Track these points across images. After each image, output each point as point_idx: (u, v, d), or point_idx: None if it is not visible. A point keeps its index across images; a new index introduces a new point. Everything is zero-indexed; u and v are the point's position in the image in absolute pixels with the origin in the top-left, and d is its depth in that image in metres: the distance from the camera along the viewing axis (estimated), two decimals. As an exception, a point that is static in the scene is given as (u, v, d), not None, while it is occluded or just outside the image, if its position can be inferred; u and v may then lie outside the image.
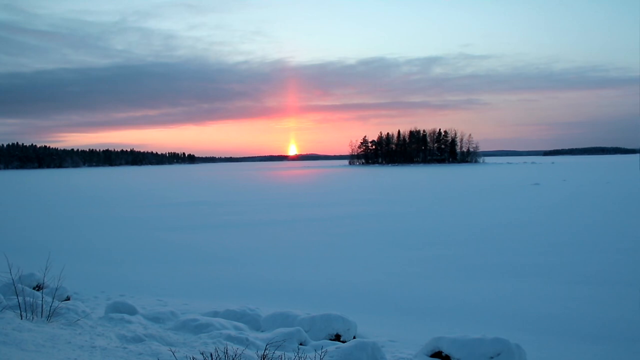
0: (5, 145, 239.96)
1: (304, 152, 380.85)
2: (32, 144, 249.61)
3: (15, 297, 7.55)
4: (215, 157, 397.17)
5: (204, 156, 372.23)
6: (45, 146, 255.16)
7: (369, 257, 14.69)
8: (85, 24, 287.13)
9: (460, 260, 13.91)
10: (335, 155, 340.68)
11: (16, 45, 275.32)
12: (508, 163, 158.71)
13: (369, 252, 15.46)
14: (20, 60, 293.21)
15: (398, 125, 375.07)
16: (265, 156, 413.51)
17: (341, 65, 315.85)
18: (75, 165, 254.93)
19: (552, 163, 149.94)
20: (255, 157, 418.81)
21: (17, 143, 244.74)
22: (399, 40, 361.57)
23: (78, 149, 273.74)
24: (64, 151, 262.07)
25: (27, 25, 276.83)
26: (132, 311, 8.42)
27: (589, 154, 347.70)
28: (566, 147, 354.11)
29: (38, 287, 9.03)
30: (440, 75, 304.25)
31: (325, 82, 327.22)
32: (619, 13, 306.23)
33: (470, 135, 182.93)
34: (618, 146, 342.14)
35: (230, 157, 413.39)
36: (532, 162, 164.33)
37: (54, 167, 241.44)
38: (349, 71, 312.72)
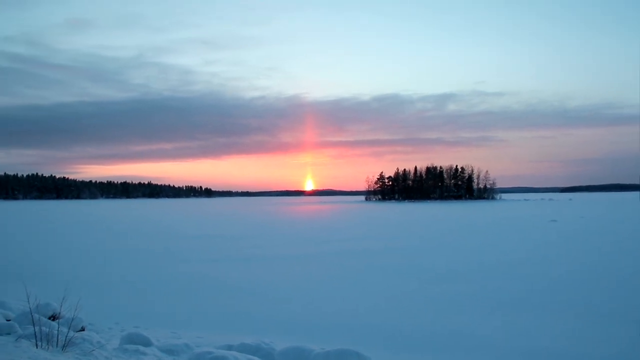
0: (25, 176, 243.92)
1: (320, 188, 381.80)
2: (51, 175, 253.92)
3: (32, 326, 7.59)
4: (231, 191, 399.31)
5: (220, 190, 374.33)
6: (64, 177, 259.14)
7: (384, 292, 14.56)
8: (104, 59, 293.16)
9: (477, 296, 13.74)
10: (351, 191, 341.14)
11: (37, 78, 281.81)
12: (525, 200, 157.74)
13: (384, 287, 15.33)
14: (40, 93, 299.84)
15: (413, 161, 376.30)
16: (281, 191, 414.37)
17: (355, 102, 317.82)
18: (93, 196, 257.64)
19: (570, 200, 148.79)
20: (271, 191, 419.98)
21: (37, 174, 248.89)
22: (412, 76, 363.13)
23: (96, 181, 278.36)
24: (82, 182, 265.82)
25: (48, 60, 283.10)
26: (147, 343, 8.41)
27: (606, 191, 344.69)
28: (583, 184, 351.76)
29: (54, 317, 9.05)
30: (455, 112, 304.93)
31: (340, 118, 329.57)
32: (632, 51, 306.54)
33: (487, 171, 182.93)
34: (636, 183, 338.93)
35: (247, 192, 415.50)
36: (550, 199, 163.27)
37: (71, 198, 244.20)
38: (363, 107, 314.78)
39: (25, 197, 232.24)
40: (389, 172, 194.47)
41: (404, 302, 13.28)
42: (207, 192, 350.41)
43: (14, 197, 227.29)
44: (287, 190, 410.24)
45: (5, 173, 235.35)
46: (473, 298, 13.61)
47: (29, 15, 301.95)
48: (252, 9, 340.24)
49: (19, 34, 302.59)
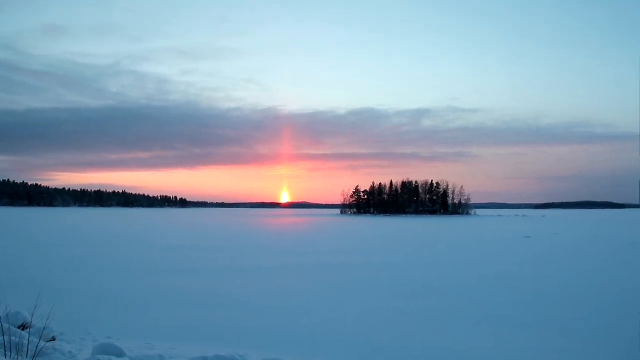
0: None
1: (295, 200, 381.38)
2: (23, 182, 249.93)
3: (1, 335, 7.42)
4: (207, 202, 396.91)
5: (195, 200, 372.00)
6: (36, 184, 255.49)
7: (359, 306, 14.53)
8: (81, 66, 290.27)
9: (452, 311, 13.78)
10: (327, 204, 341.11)
11: (11, 83, 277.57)
12: (499, 215, 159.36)
13: (360, 301, 15.30)
14: (14, 98, 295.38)
15: (389, 175, 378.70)
16: (257, 203, 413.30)
17: (332, 115, 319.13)
18: (66, 204, 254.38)
19: (543, 216, 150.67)
20: (247, 203, 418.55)
21: (8, 180, 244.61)
22: (388, 91, 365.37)
23: (69, 189, 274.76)
24: (55, 190, 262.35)
25: (23, 65, 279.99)
26: (120, 354, 8.27)
27: (579, 208, 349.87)
28: (557, 201, 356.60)
29: (24, 327, 8.86)
30: (430, 128, 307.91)
31: (316, 131, 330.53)
32: (605, 71, 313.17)
33: (462, 187, 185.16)
34: (608, 200, 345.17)
35: (222, 203, 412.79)
36: (523, 215, 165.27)
37: (44, 205, 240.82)
38: (340, 121, 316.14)
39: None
40: (365, 186, 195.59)
41: (379, 316, 13.27)
42: (182, 203, 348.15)
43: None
44: (262, 202, 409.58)
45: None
46: (447, 313, 13.65)
47: (4, 19, 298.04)
48: (229, 21, 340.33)
49: None
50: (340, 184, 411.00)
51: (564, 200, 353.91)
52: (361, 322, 12.56)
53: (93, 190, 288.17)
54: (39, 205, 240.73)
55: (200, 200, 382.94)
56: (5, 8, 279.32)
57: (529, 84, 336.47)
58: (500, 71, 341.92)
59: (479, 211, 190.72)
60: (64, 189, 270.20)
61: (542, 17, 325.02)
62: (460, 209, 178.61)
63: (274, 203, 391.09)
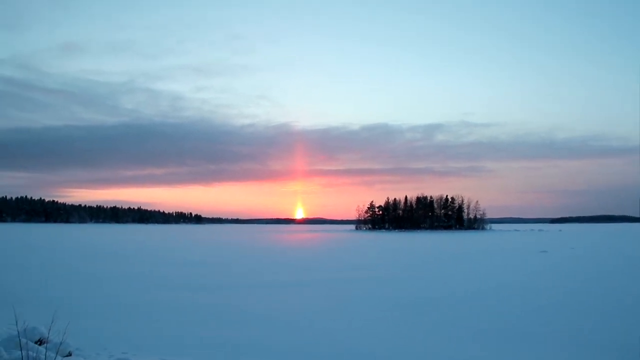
0: (13, 199, 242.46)
1: (310, 216, 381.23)
2: (40, 198, 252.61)
3: (18, 350, 7.49)
4: (221, 218, 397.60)
5: (210, 217, 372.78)
6: (53, 201, 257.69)
7: (371, 322, 14.48)
8: (95, 84, 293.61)
9: (466, 324, 13.69)
10: (341, 220, 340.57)
11: (27, 101, 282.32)
12: (515, 230, 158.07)
13: (372, 317, 15.26)
14: (30, 116, 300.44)
15: (402, 191, 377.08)
16: (272, 219, 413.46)
17: (345, 131, 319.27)
18: (82, 220, 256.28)
19: (560, 231, 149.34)
20: (262, 219, 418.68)
21: (26, 197, 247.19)
22: (401, 106, 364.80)
23: (85, 205, 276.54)
24: (72, 206, 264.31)
25: (39, 83, 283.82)
26: (135, 368, 8.31)
27: (596, 222, 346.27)
28: (573, 215, 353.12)
29: (41, 342, 8.94)
30: (443, 142, 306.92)
31: (329, 147, 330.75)
32: (619, 83, 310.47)
33: (477, 202, 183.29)
34: (625, 214, 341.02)
35: (237, 219, 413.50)
36: (539, 230, 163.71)
37: (60, 221, 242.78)
38: (353, 136, 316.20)
39: (13, 220, 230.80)
40: (379, 201, 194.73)
41: (390, 329, 13.22)
42: (197, 219, 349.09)
43: (2, 220, 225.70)
44: (277, 218, 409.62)
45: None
46: (460, 326, 13.56)
47: (21, 39, 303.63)
48: (242, 38, 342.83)
49: (11, 57, 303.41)
50: (355, 199, 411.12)
51: (581, 214, 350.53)
52: (369, 335, 12.52)
53: (108, 206, 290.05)
54: (55, 221, 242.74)
55: (215, 216, 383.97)
56: (21, 28, 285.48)
57: (542, 97, 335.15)
58: (513, 85, 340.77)
59: (494, 226, 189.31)
60: (80, 205, 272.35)
61: (555, 29, 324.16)
62: (476, 223, 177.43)
63: (288, 219, 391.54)
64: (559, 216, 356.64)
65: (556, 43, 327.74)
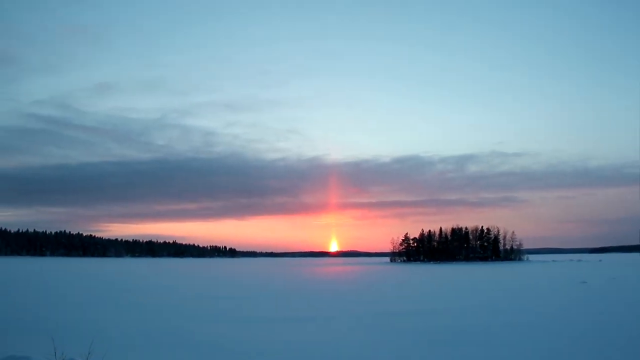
0: (53, 233, 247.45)
1: (344, 249, 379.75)
2: (78, 233, 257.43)
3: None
4: (256, 252, 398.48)
5: (245, 250, 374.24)
6: (90, 235, 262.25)
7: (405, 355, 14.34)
8: (129, 120, 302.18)
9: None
10: (376, 252, 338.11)
11: (65, 139, 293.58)
12: (553, 261, 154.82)
13: (407, 350, 15.11)
14: (68, 153, 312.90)
15: (436, 222, 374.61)
16: (306, 252, 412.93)
17: (376, 163, 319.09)
18: (119, 255, 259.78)
19: (600, 261, 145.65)
20: (296, 252, 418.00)
21: (64, 231, 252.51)
22: (432, 138, 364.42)
23: (122, 239, 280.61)
24: (108, 241, 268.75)
25: (76, 121, 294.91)
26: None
27: (638, 251, 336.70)
28: (614, 245, 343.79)
29: (79, 372, 9.07)
30: (476, 173, 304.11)
31: (361, 180, 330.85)
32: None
33: (513, 232, 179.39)
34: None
35: (272, 252, 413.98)
36: (579, 260, 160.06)
37: (97, 255, 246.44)
38: (384, 169, 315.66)
39: (52, 254, 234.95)
40: (413, 233, 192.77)
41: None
42: (232, 252, 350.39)
43: (42, 254, 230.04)
44: (311, 251, 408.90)
45: (34, 230, 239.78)
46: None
47: (59, 81, 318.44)
48: (270, 73, 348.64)
49: (49, 97, 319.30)
50: (388, 231, 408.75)
51: (622, 244, 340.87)
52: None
53: (144, 240, 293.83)
54: (92, 255, 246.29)
55: (249, 249, 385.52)
56: (58, 70, 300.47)
57: (574, 126, 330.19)
58: (543, 114, 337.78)
59: (531, 256, 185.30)
60: (116, 239, 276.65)
61: (584, 60, 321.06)
62: (512, 254, 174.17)
63: (322, 252, 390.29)
64: (598, 246, 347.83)
65: (586, 72, 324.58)
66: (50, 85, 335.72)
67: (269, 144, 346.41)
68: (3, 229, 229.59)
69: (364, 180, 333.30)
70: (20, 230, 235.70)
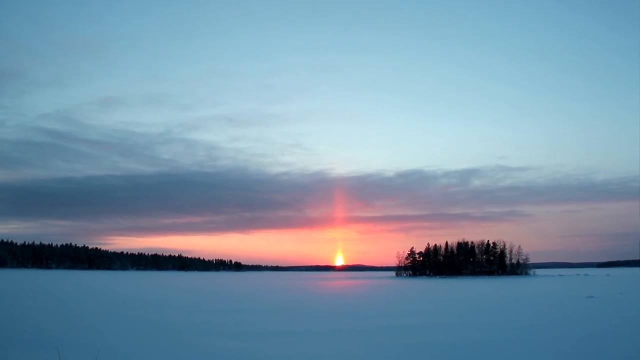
0: (58, 246, 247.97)
1: (350, 263, 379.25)
2: (84, 245, 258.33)
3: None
4: (261, 266, 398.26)
5: (250, 264, 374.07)
6: (96, 248, 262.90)
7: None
8: (134, 134, 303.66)
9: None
10: (381, 267, 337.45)
11: (70, 152, 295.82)
12: (560, 275, 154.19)
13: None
14: (73, 167, 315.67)
15: (440, 237, 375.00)
16: (311, 266, 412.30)
17: (380, 177, 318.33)
18: (124, 267, 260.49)
19: (607, 275, 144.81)
20: (301, 266, 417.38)
21: (70, 244, 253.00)
22: (435, 152, 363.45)
23: (127, 252, 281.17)
24: (114, 254, 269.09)
25: (81, 135, 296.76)
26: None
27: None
28: (621, 259, 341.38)
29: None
30: (480, 187, 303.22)
31: (365, 194, 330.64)
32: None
33: (519, 246, 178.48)
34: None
35: (277, 266, 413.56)
36: (585, 274, 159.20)
37: (103, 268, 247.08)
38: (388, 183, 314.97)
39: (58, 267, 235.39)
40: (418, 248, 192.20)
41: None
42: (237, 266, 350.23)
43: (48, 267, 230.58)
44: (317, 265, 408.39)
45: (40, 242, 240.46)
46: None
47: (64, 94, 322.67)
48: (274, 87, 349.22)
49: (55, 111, 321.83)
50: (393, 246, 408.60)
51: (629, 258, 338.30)
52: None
53: (149, 254, 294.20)
54: (98, 268, 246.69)
55: (254, 263, 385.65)
56: (64, 85, 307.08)
57: (578, 139, 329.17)
58: (546, 128, 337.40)
59: (538, 271, 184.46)
60: (122, 252, 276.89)
61: (589, 70, 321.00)
62: (519, 269, 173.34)
63: (328, 266, 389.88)
64: (605, 260, 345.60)
65: (591, 86, 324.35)
66: (56, 99, 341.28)
67: (272, 158, 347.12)
68: (9, 241, 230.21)
69: (368, 195, 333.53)
70: (27, 243, 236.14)
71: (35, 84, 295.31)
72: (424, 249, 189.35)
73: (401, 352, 16.84)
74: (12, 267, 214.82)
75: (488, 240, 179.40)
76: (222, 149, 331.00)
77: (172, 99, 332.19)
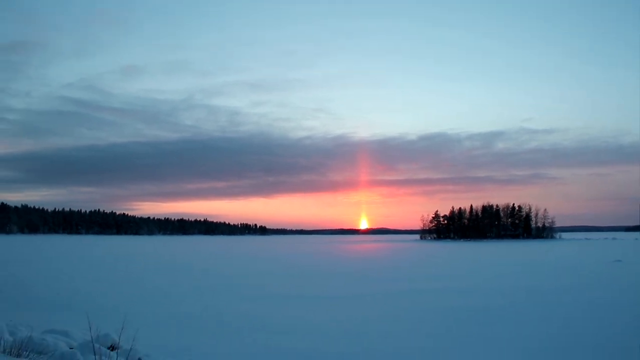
0: (87, 212, 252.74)
1: (374, 226, 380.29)
2: (112, 211, 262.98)
3: (92, 355, 7.83)
4: (286, 229, 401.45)
5: (275, 227, 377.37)
6: (123, 214, 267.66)
7: (433, 334, 14.35)
8: (157, 102, 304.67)
9: (539, 343, 13.38)
10: (405, 230, 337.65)
11: (95, 120, 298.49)
12: (586, 239, 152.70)
13: (434, 329, 15.11)
14: (98, 134, 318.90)
15: (464, 200, 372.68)
16: (335, 229, 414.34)
17: (402, 141, 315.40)
18: (151, 232, 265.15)
19: (636, 239, 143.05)
20: (326, 230, 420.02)
21: (98, 210, 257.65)
22: (458, 115, 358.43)
23: (154, 217, 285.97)
24: (141, 219, 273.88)
25: (105, 103, 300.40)
26: (202, 375, 8.52)
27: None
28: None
29: (112, 347, 9.29)
30: (504, 150, 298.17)
31: (388, 157, 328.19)
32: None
33: (545, 210, 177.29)
34: None
35: (302, 230, 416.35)
36: (613, 238, 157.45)
37: (130, 233, 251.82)
38: (411, 146, 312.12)
39: (87, 232, 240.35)
40: (442, 211, 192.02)
41: (464, 346, 13.06)
42: (262, 230, 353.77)
43: (77, 232, 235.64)
44: (341, 229, 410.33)
45: (70, 209, 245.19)
46: (525, 340, 13.25)
47: (87, 64, 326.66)
48: (296, 52, 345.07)
49: (79, 80, 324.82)
50: (416, 209, 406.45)
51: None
52: (432, 350, 12.42)
53: (176, 219, 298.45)
54: (126, 233, 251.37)
55: (279, 227, 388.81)
56: (87, 54, 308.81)
57: (605, 101, 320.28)
58: (573, 89, 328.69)
59: (564, 234, 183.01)
60: (148, 217, 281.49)
61: (615, 33, 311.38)
62: (544, 232, 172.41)
63: (352, 229, 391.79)
64: (633, 224, 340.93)
65: (616, 45, 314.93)
66: (79, 69, 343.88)
67: (295, 123, 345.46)
68: (40, 207, 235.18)
69: (391, 158, 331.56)
70: (57, 209, 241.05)
71: (58, 54, 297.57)
72: (449, 212, 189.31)
73: (426, 316, 16.89)
74: (44, 232, 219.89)
75: (513, 204, 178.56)
76: (244, 114, 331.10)
77: (194, 66, 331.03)
